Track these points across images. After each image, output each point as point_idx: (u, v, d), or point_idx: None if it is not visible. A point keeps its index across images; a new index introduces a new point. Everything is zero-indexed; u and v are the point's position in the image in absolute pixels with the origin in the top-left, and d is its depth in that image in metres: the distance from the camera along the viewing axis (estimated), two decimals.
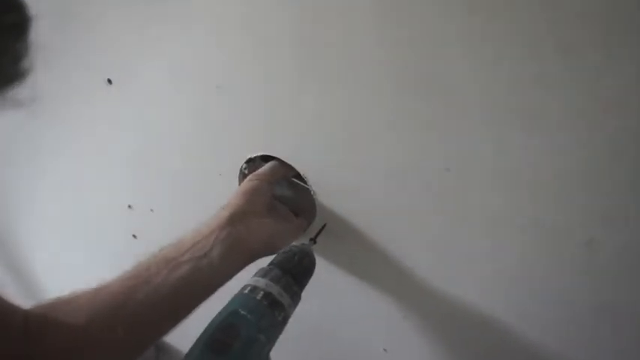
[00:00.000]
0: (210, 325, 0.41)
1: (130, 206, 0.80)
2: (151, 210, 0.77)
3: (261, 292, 0.43)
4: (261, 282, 0.44)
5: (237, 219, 0.48)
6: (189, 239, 0.46)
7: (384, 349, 0.64)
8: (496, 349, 0.53)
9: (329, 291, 0.62)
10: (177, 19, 0.49)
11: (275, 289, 0.44)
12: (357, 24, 0.38)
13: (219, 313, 0.42)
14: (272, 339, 0.42)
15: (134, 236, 0.85)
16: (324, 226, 0.56)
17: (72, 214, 0.94)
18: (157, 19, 0.51)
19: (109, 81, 0.62)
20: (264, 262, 0.49)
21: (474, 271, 0.47)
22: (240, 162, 0.57)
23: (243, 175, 0.58)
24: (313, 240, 0.55)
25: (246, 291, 0.44)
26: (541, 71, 0.33)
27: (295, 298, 0.46)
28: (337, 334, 0.70)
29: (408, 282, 0.53)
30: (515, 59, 0.33)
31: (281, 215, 0.55)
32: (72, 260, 1.07)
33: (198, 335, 0.40)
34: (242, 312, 0.41)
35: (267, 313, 0.42)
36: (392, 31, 0.37)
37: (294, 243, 0.53)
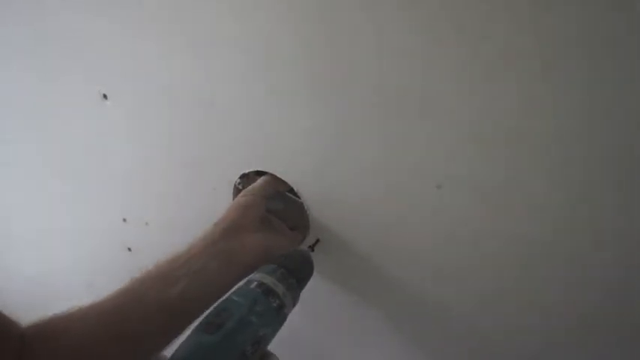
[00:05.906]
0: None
1: (124, 219, 0.80)
2: (146, 223, 0.77)
3: (255, 282, 0.44)
4: (256, 276, 0.45)
5: (230, 233, 0.48)
6: (183, 254, 0.46)
7: None
8: None
9: (323, 305, 0.63)
10: (172, 36, 0.49)
11: (268, 279, 0.44)
12: (353, 46, 0.39)
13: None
14: (268, 325, 0.42)
15: (129, 249, 0.85)
16: (317, 241, 0.56)
17: (67, 226, 0.94)
18: (152, 36, 0.51)
19: (105, 96, 0.62)
20: None
21: (466, 285, 0.48)
22: (234, 177, 0.58)
23: (237, 190, 0.59)
24: (311, 248, 0.55)
25: (240, 284, 0.45)
26: (529, 90, 0.34)
27: (292, 290, 0.45)
28: (333, 349, 0.70)
29: (401, 296, 0.54)
30: (504, 79, 0.34)
31: (275, 229, 0.55)
32: (67, 273, 1.07)
33: None
34: (234, 298, 0.42)
35: (261, 298, 0.42)
36: (385, 52, 0.37)
37: None
